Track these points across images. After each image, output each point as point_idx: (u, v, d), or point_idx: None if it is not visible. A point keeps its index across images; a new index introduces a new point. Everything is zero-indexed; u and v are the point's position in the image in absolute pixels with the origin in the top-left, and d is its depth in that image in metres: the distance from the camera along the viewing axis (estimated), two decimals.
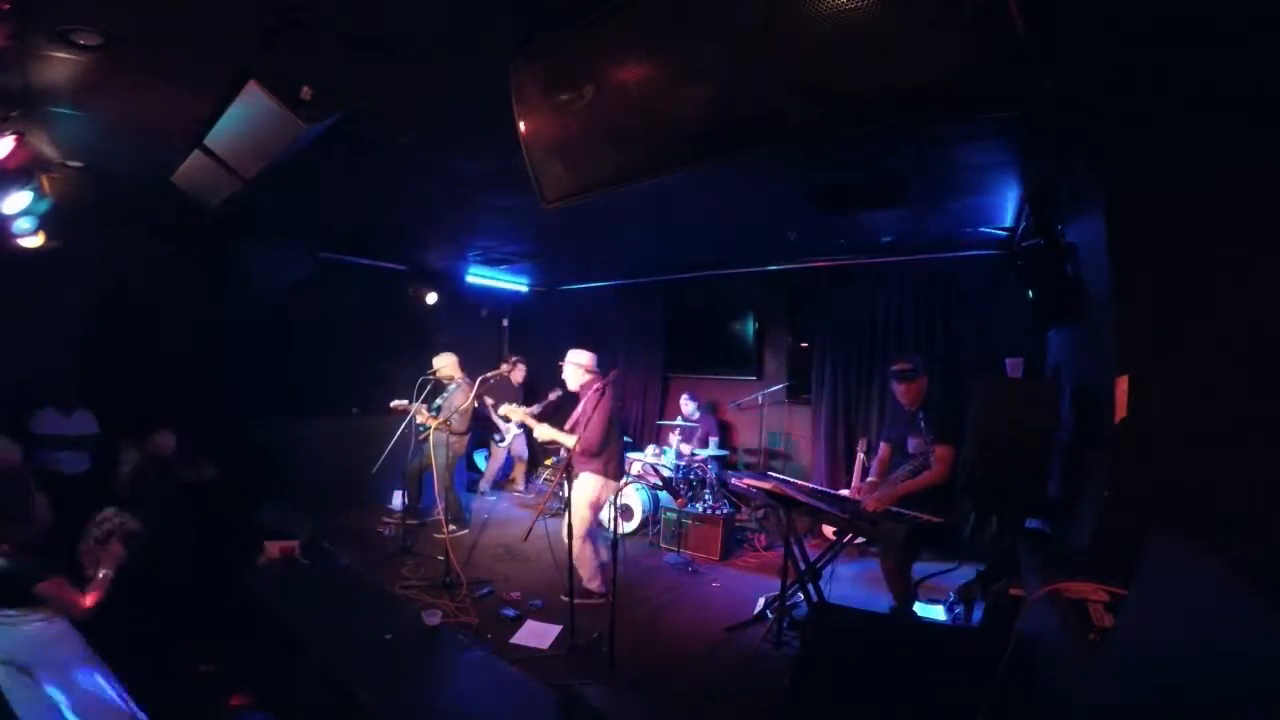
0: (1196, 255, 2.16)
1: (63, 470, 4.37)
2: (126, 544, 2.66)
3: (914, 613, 3.57)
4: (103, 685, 2.33)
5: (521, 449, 7.12)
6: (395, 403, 5.15)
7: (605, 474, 3.86)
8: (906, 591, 3.53)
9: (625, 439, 5.70)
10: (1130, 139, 2.35)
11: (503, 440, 6.74)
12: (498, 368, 5.24)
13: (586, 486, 3.84)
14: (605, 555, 3.97)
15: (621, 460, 4.04)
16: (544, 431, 4.06)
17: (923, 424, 3.58)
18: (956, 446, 3.45)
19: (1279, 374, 1.95)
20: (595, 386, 3.87)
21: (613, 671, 3.05)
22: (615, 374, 4.03)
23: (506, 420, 6.51)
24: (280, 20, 2.15)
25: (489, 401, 6.46)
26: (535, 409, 6.49)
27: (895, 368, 3.75)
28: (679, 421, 6.41)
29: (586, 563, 3.94)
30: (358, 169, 3.73)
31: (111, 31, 2.23)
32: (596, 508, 3.93)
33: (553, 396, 6.52)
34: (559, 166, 2.30)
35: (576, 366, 4.07)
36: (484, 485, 6.99)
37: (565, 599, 3.55)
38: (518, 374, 6.75)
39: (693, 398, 6.48)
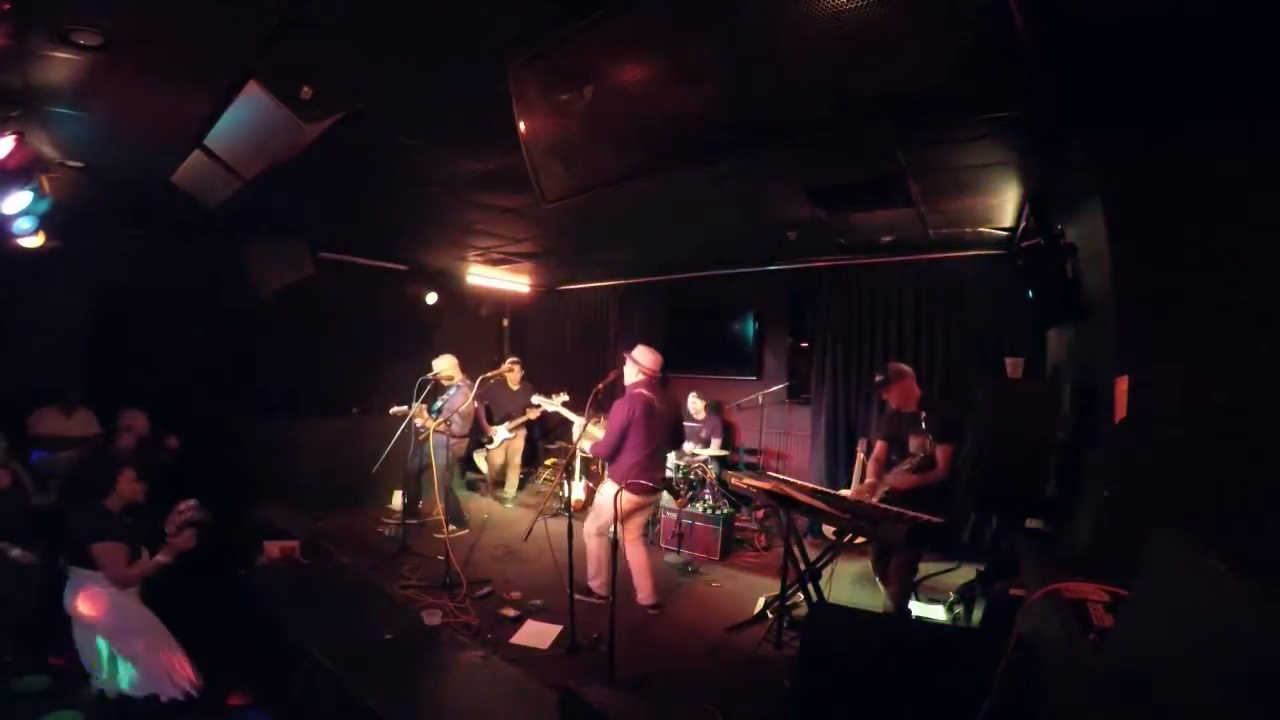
0: (1196, 255, 2.16)
1: (63, 470, 4.36)
2: (197, 535, 2.96)
3: (908, 611, 3.57)
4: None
5: (514, 453, 6.79)
6: (395, 409, 5.14)
7: (619, 482, 3.72)
8: (906, 592, 3.53)
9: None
10: (1130, 139, 2.35)
11: (492, 444, 6.67)
12: (498, 368, 5.23)
13: (603, 492, 3.84)
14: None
15: (644, 472, 3.78)
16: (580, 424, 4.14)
17: (924, 424, 3.58)
18: (955, 446, 3.47)
19: (1278, 374, 1.95)
20: (632, 393, 3.86)
21: (612, 671, 3.05)
22: (615, 375, 3.98)
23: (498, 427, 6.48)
24: (280, 20, 2.15)
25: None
26: (534, 414, 6.42)
27: (876, 380, 3.93)
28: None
29: (592, 558, 3.95)
30: (358, 169, 3.73)
31: (111, 31, 2.23)
32: (613, 514, 3.68)
33: (558, 401, 6.21)
34: (559, 166, 2.31)
35: (633, 365, 4.00)
36: (510, 491, 6.83)
37: (567, 591, 3.54)
38: (514, 376, 6.55)
39: (700, 396, 6.48)
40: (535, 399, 4.93)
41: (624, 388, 4.02)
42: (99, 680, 2.70)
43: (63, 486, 3.04)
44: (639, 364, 4.00)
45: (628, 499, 3.73)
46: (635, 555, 3.97)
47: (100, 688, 2.70)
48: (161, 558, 2.86)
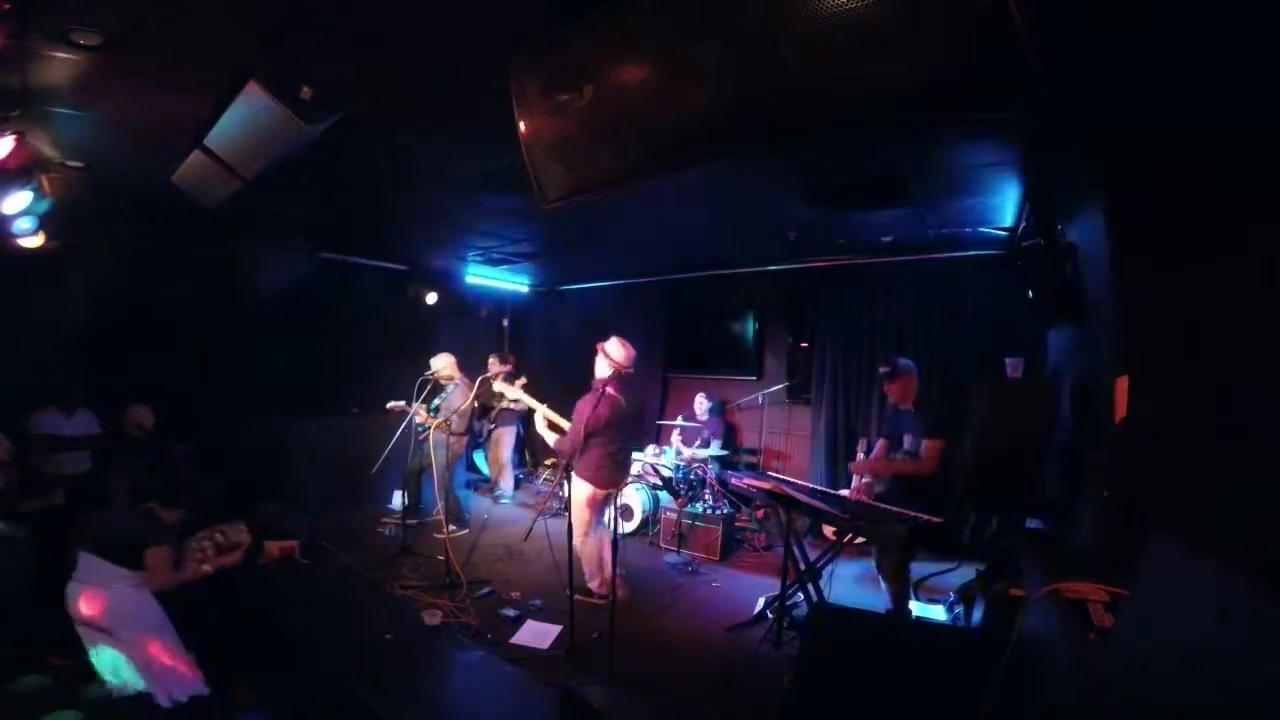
0: (1196, 255, 2.16)
1: (63, 470, 4.37)
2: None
3: (909, 611, 3.57)
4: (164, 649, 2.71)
5: (503, 448, 6.81)
6: (392, 404, 5.14)
7: (592, 481, 3.80)
8: (903, 591, 3.52)
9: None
10: (1131, 139, 2.35)
11: (484, 437, 6.68)
12: (493, 368, 5.19)
13: (577, 489, 3.84)
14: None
15: (613, 468, 3.86)
16: (543, 412, 4.10)
17: (914, 419, 3.60)
18: (946, 441, 3.46)
19: (1278, 372, 1.95)
20: (599, 389, 3.77)
21: (613, 671, 3.05)
22: (625, 374, 3.95)
23: (490, 411, 6.42)
24: (280, 20, 2.15)
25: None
26: (508, 404, 6.37)
27: (880, 370, 3.88)
28: (680, 421, 6.40)
29: (587, 560, 3.94)
30: (358, 169, 3.73)
31: (111, 31, 2.23)
32: (591, 509, 3.90)
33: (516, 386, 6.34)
34: (559, 167, 2.30)
35: (604, 358, 3.89)
36: (505, 489, 6.83)
37: (566, 592, 3.55)
38: (499, 377, 6.50)
39: (709, 396, 6.47)
40: (497, 385, 4.74)
41: (593, 382, 3.90)
42: (113, 685, 2.69)
43: (141, 485, 3.15)
44: (610, 357, 3.88)
45: (597, 493, 3.84)
46: (600, 542, 4.00)
47: (115, 693, 2.68)
48: (207, 568, 2.94)
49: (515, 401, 4.95)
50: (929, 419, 3.57)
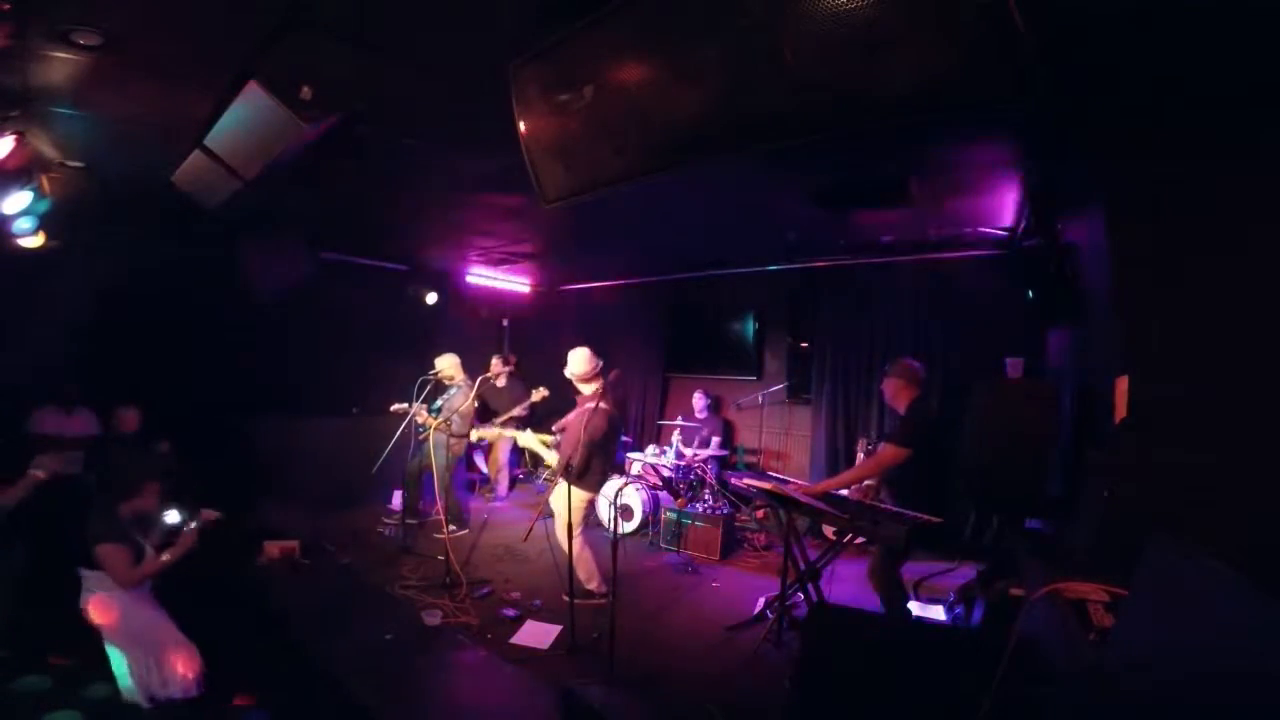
0: (1197, 255, 2.16)
1: (61, 470, 4.36)
2: (201, 535, 3.02)
3: (908, 611, 3.57)
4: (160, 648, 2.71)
5: (501, 451, 6.91)
6: (395, 406, 5.14)
7: (590, 488, 3.85)
8: (892, 593, 3.49)
9: (624, 438, 5.68)
10: (1130, 138, 2.35)
11: (482, 442, 6.70)
12: (493, 369, 5.19)
13: (575, 497, 3.81)
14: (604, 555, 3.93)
15: (608, 475, 3.99)
16: (527, 439, 4.09)
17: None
18: (910, 451, 3.32)
19: (1278, 373, 1.95)
20: (589, 405, 3.75)
21: (613, 671, 3.05)
22: (615, 375, 3.96)
23: (480, 440, 6.43)
24: (280, 20, 2.15)
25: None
26: (519, 411, 6.41)
27: (886, 367, 3.82)
28: (680, 421, 6.41)
29: (584, 564, 3.94)
30: (358, 169, 3.73)
31: (111, 31, 2.23)
32: (585, 514, 3.92)
33: (537, 397, 6.41)
34: (559, 166, 2.30)
35: (575, 376, 3.90)
36: (499, 490, 6.87)
37: (565, 598, 3.56)
38: (501, 377, 6.48)
39: (705, 395, 6.50)
40: (474, 434, 4.65)
41: (582, 399, 3.90)
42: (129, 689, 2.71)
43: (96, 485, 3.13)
44: (577, 374, 3.86)
45: (588, 498, 3.88)
46: (591, 544, 4.04)
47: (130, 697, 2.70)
48: (166, 557, 2.89)
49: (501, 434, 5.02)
50: (897, 426, 3.54)
